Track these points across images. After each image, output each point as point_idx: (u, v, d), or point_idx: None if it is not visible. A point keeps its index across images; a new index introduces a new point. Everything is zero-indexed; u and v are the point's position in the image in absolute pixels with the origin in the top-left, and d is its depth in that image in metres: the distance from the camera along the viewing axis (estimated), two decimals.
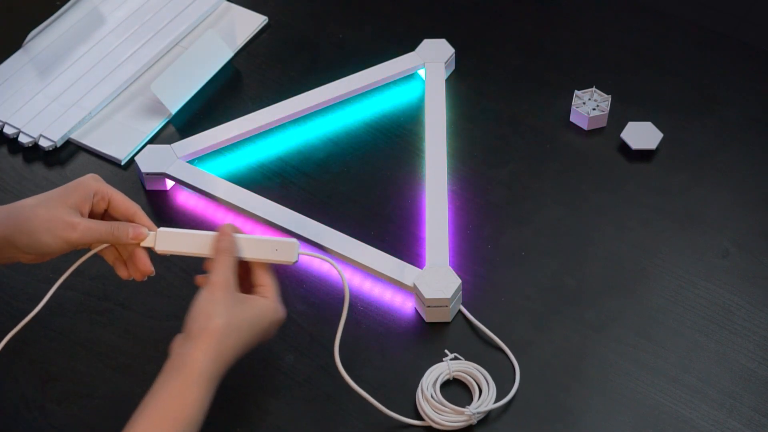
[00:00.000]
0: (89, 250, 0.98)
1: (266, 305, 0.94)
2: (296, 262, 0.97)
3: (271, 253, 0.97)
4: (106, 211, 0.98)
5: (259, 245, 0.97)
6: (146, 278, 0.99)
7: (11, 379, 1.03)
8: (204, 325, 0.89)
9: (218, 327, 0.89)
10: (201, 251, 0.97)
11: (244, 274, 0.98)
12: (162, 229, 0.98)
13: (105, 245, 0.97)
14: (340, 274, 0.99)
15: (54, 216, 0.92)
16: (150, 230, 0.98)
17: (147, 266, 0.98)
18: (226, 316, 0.89)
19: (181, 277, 1.12)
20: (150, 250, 0.98)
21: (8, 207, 0.95)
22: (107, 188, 0.97)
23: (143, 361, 1.05)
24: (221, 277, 0.92)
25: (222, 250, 0.94)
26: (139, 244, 0.97)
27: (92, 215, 0.97)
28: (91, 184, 0.96)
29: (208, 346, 0.88)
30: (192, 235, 0.98)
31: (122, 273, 0.99)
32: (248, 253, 0.97)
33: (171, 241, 0.98)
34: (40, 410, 1.02)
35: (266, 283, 0.96)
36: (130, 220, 0.98)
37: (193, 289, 1.10)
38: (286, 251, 0.97)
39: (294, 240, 0.98)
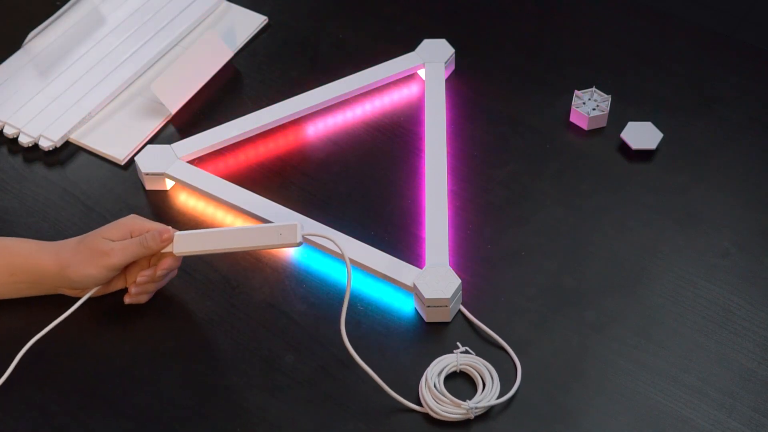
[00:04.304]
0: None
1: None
2: (301, 243, 1.02)
3: (276, 238, 1.02)
4: None
5: (262, 233, 1.02)
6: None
7: (11, 380, 1.03)
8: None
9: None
10: (215, 248, 1.04)
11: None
12: (178, 232, 1.05)
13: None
14: (341, 252, 1.02)
15: (93, 248, 1.03)
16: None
17: (170, 264, 1.06)
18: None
19: (181, 277, 1.12)
20: None
21: (56, 245, 1.06)
22: (145, 224, 1.05)
23: (143, 361, 1.05)
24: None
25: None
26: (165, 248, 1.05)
27: None
28: (128, 223, 1.05)
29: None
30: (204, 234, 1.05)
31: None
32: (254, 242, 1.03)
33: (187, 242, 1.04)
34: (41, 411, 1.02)
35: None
36: None
37: (193, 291, 1.11)
38: (289, 234, 1.02)
39: (295, 222, 1.02)
